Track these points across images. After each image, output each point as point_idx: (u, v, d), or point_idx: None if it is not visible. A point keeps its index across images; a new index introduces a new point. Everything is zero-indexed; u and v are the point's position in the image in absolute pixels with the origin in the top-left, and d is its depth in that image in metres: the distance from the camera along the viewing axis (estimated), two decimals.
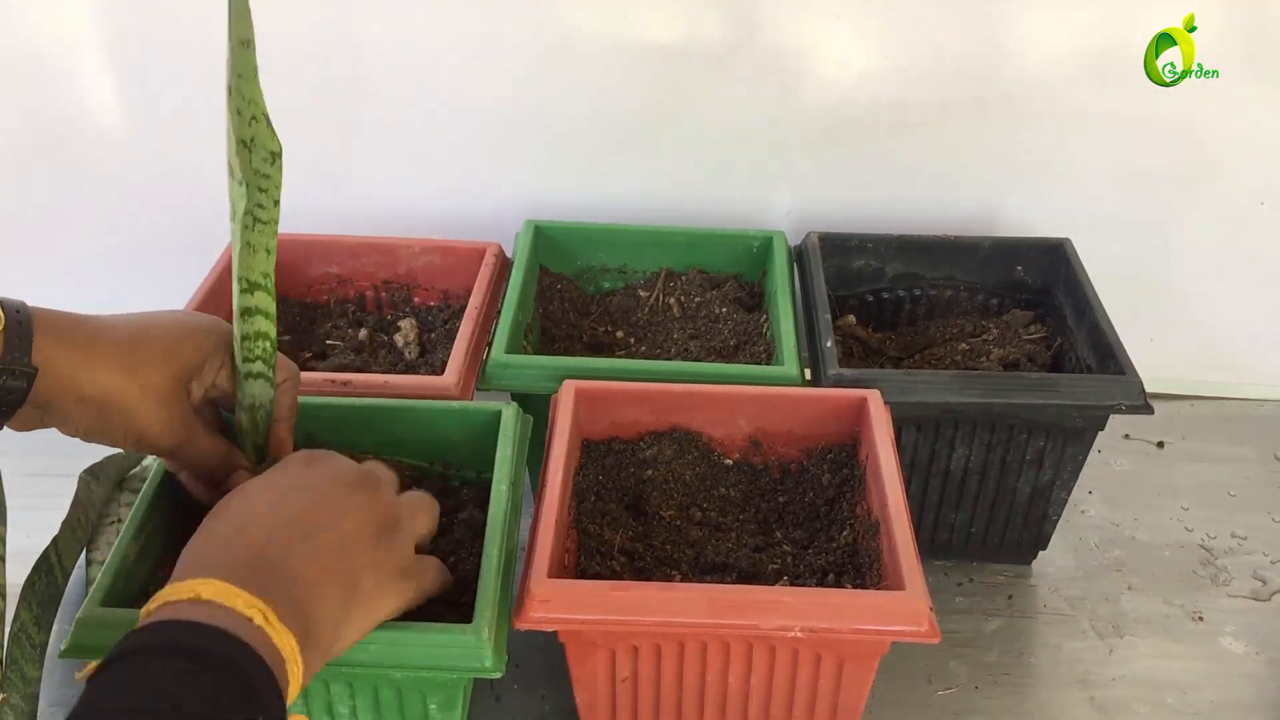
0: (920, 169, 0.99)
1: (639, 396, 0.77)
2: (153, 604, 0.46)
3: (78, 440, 0.59)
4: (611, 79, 0.95)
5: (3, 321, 0.52)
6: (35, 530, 0.76)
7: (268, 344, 0.60)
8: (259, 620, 0.45)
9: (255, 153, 0.55)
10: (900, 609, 0.60)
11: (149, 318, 0.60)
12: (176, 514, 0.68)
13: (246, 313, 0.59)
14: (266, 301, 0.59)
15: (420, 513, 0.59)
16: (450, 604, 0.64)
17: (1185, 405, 1.07)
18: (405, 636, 0.58)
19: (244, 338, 0.60)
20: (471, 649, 0.58)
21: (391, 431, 0.74)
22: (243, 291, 0.58)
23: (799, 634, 0.60)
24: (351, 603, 0.52)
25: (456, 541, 0.70)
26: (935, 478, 0.83)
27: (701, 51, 0.93)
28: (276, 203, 0.56)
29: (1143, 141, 0.95)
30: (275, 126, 0.57)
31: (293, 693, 0.46)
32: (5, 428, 0.56)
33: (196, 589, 0.45)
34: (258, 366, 0.60)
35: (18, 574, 0.72)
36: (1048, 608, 0.86)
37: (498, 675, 0.58)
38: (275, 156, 0.56)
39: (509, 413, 0.73)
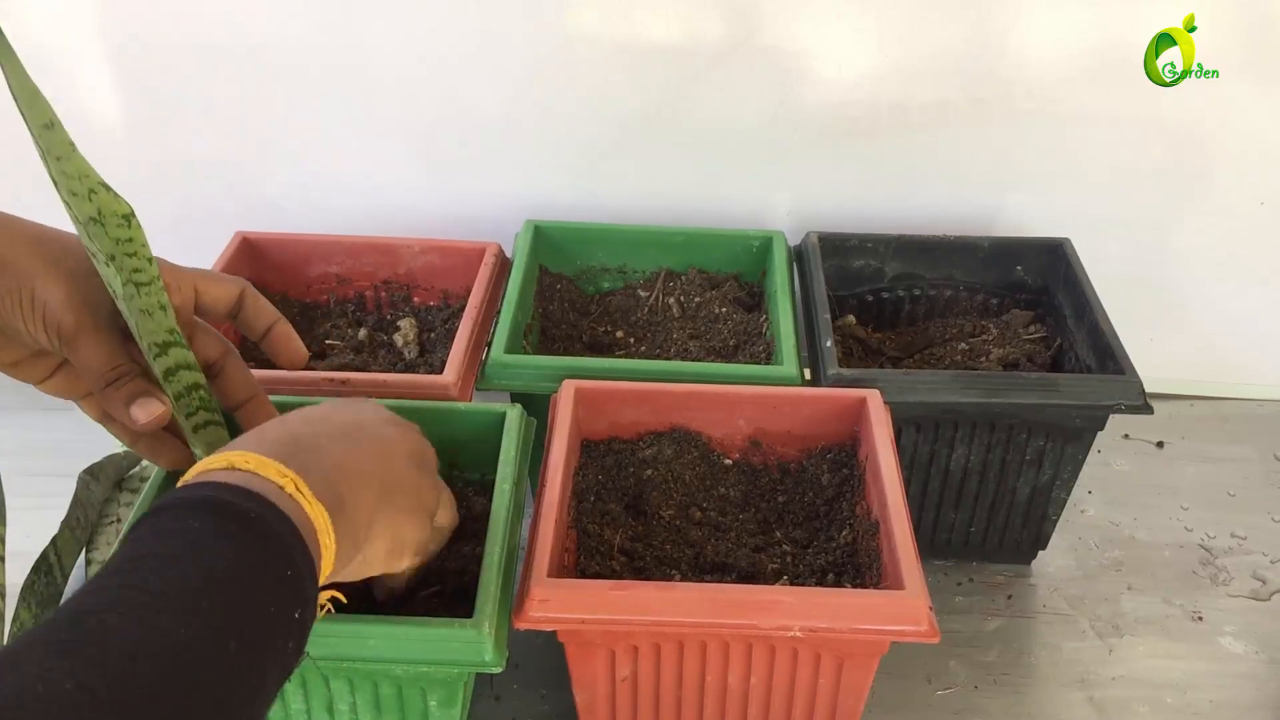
0: (920, 169, 0.98)
1: (639, 396, 0.77)
2: (190, 474, 0.47)
3: (77, 441, 0.58)
4: (611, 79, 0.95)
5: None
6: (35, 530, 0.76)
7: (203, 392, 0.59)
8: (290, 488, 0.46)
9: (108, 224, 0.51)
10: (900, 609, 0.60)
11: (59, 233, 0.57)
12: None
13: (169, 373, 0.57)
14: (183, 355, 0.57)
15: (445, 490, 0.62)
16: (454, 605, 0.65)
17: (1185, 405, 1.07)
18: (406, 631, 0.59)
19: (177, 397, 0.58)
20: (472, 643, 0.58)
21: None
22: (157, 357, 0.56)
23: (798, 634, 0.60)
24: (384, 504, 0.53)
25: (464, 543, 0.70)
26: (935, 478, 0.83)
27: (701, 51, 0.93)
28: (150, 259, 0.54)
29: (1143, 141, 0.95)
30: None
31: (325, 568, 0.47)
32: None
33: (231, 459, 0.47)
34: (202, 416, 0.59)
35: (17, 574, 0.72)
36: (1047, 607, 0.86)
37: (498, 670, 0.59)
38: (128, 217, 0.52)
39: (513, 414, 0.74)
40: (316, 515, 0.47)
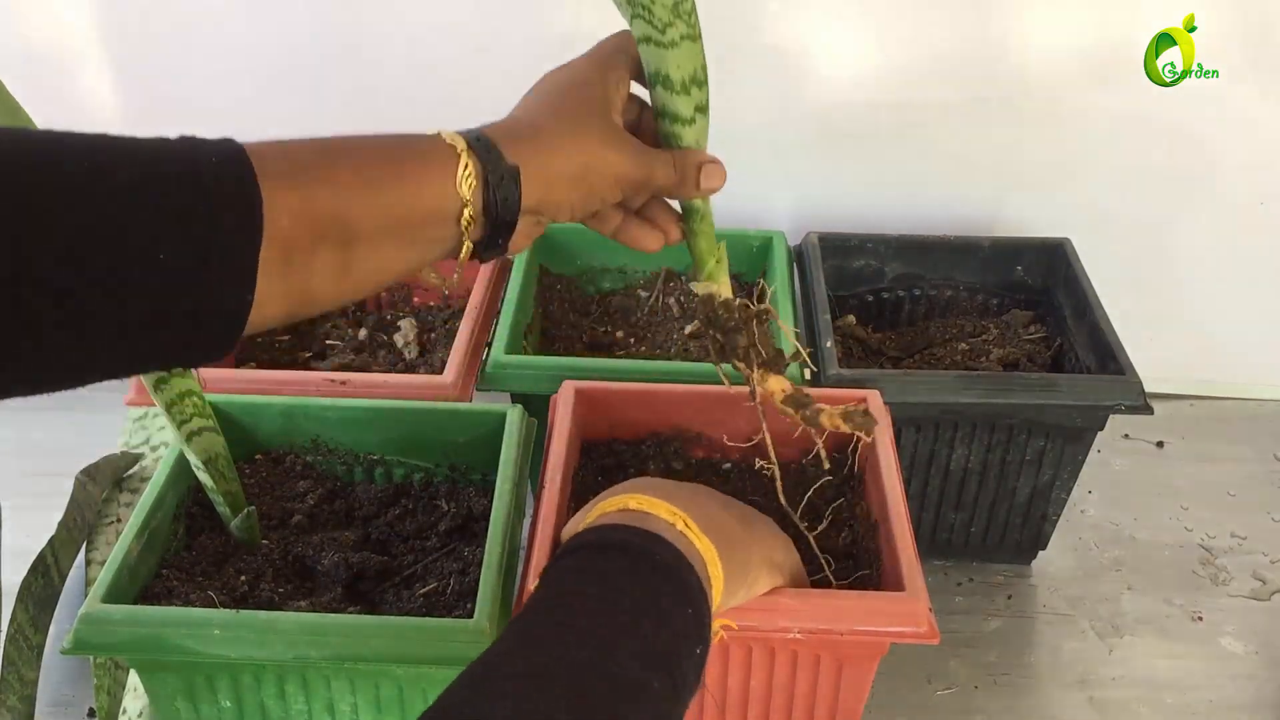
0: (920, 169, 0.98)
1: (639, 397, 0.77)
2: (589, 517, 0.53)
3: (77, 441, 0.58)
4: None
5: (464, 142, 0.47)
6: (35, 530, 0.76)
7: (195, 399, 0.59)
8: (680, 526, 0.51)
9: None
10: (900, 610, 0.60)
11: (561, 80, 0.57)
12: (180, 513, 0.68)
13: (160, 382, 0.57)
14: None
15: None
16: (455, 605, 0.65)
17: (1185, 405, 1.07)
18: (407, 630, 0.59)
19: (169, 405, 0.58)
20: (473, 643, 0.58)
21: (399, 433, 0.74)
22: None
23: (798, 636, 0.60)
24: (756, 542, 0.58)
25: (464, 543, 0.70)
26: (935, 478, 0.83)
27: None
28: None
29: (1143, 141, 0.95)
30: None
31: (715, 598, 0.51)
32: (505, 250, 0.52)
33: (624, 501, 0.53)
34: (195, 424, 0.59)
35: (15, 575, 0.72)
36: (1047, 608, 0.86)
37: None
38: None
39: (514, 414, 0.74)
40: (705, 549, 0.51)
